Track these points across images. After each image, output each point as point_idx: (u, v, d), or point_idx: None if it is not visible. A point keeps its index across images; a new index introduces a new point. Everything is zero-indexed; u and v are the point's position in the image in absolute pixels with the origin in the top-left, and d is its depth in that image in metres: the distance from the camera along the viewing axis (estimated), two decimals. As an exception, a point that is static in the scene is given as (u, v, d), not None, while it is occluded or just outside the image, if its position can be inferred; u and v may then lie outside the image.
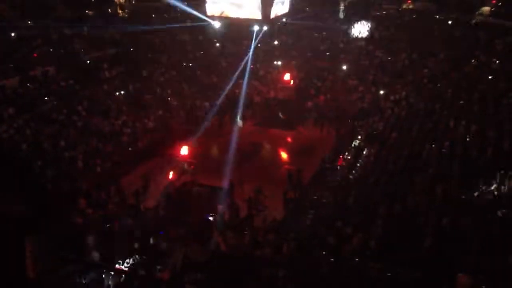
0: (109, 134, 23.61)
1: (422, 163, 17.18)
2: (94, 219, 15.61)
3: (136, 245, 12.34)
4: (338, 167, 20.71)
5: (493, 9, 38.18)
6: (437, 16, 38.80)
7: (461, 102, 22.61)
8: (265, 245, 12.65)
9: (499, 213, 12.49)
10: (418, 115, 22.38)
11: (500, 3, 38.31)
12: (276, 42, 37.43)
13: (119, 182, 19.47)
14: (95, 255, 11.90)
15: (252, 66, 34.46)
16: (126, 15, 42.65)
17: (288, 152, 24.50)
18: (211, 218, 16.42)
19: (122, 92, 28.28)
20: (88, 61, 30.11)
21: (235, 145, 24.82)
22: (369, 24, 36.35)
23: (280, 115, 28.14)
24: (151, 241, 13.18)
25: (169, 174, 19.97)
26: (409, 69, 30.71)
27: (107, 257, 12.06)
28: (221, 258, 11.57)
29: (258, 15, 25.00)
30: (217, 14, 26.42)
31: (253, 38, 34.05)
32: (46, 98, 25.03)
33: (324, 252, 12.27)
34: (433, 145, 18.27)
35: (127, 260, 12.37)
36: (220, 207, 16.75)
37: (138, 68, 31.30)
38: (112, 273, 11.09)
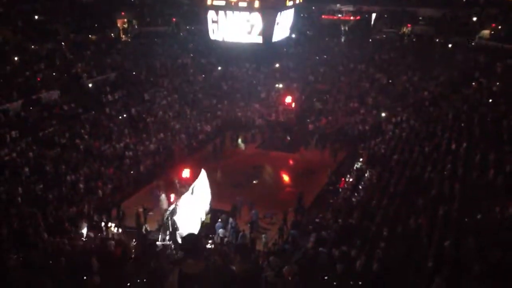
0: (111, 157, 23.64)
1: (423, 185, 17.16)
2: (95, 242, 15.58)
3: (137, 268, 12.31)
4: (340, 189, 20.68)
5: (492, 32, 38.57)
6: (437, 40, 39.19)
7: (462, 124, 22.67)
8: (267, 268, 12.58)
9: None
10: (419, 138, 22.42)
11: (499, 26, 38.69)
12: (277, 65, 37.69)
13: (121, 205, 19.42)
14: (97, 278, 11.87)
15: (253, 88, 34.73)
16: (129, 40, 43.11)
17: (290, 175, 24.44)
18: (211, 241, 16.38)
19: (124, 115, 28.39)
20: (90, 85, 30.31)
21: (237, 167, 24.82)
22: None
23: (288, 137, 28.12)
24: (152, 264, 13.16)
25: (170, 196, 19.91)
26: (410, 91, 30.90)
27: (109, 280, 12.03)
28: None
29: (259, 40, 25.20)
30: (219, 39, 26.59)
31: (254, 61, 34.34)
32: (48, 122, 25.15)
33: (326, 277, 12.19)
34: (435, 167, 18.27)
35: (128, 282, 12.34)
36: (222, 231, 16.68)
37: (140, 91, 31.52)
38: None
